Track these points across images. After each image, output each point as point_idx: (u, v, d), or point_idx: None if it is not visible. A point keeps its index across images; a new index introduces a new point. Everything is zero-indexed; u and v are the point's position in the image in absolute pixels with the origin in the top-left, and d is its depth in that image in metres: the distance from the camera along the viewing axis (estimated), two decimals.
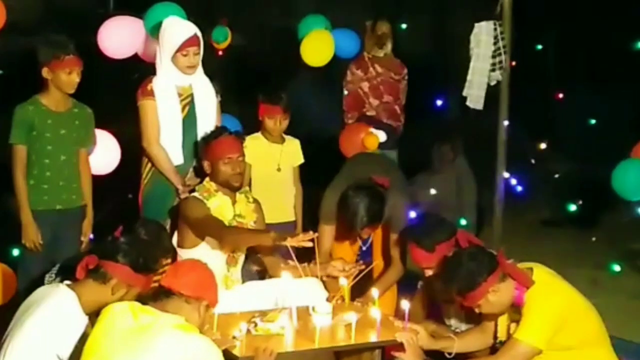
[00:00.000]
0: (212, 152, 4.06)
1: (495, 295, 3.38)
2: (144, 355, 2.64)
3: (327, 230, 4.45)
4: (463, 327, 3.96)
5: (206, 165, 4.10)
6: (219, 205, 4.03)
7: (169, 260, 3.50)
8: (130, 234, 3.23)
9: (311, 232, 3.71)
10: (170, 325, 2.73)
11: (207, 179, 4.10)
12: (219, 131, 4.16)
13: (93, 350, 2.70)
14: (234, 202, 4.11)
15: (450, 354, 3.61)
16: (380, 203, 4.23)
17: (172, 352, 2.67)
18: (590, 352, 3.43)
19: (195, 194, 4.07)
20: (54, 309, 2.95)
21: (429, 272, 3.85)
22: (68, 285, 3.04)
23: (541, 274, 3.48)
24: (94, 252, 3.10)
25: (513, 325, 3.48)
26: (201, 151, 4.17)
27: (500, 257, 3.44)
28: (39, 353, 2.88)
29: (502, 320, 3.57)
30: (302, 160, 4.97)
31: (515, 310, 3.45)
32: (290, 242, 3.67)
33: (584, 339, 3.42)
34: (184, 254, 3.95)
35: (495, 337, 3.62)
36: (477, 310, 3.47)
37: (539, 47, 8.08)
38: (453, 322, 4.00)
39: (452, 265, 3.48)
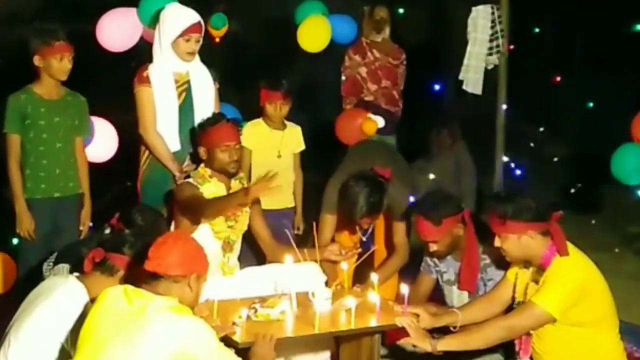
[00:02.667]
0: (209, 138, 4.06)
1: (529, 240, 3.37)
2: (138, 340, 2.64)
3: (329, 220, 4.46)
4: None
5: (202, 151, 4.10)
6: (214, 192, 4.04)
7: None
8: (133, 226, 3.23)
9: (270, 172, 3.82)
10: (163, 307, 2.72)
11: (202, 165, 4.10)
12: (216, 118, 4.15)
13: (89, 336, 2.71)
14: (228, 189, 4.11)
15: (455, 327, 3.60)
16: (381, 194, 4.23)
17: (166, 334, 2.66)
18: (599, 333, 3.43)
19: (190, 179, 4.07)
20: (64, 301, 2.97)
21: (434, 247, 3.86)
22: (77, 277, 3.05)
23: (569, 246, 3.47)
24: (100, 245, 3.10)
25: (532, 285, 3.46)
26: (198, 137, 4.16)
27: (555, 216, 3.43)
28: (47, 344, 2.89)
29: (521, 280, 3.54)
30: (303, 147, 4.97)
31: (538, 271, 3.43)
32: (257, 189, 3.79)
33: (596, 318, 3.42)
34: None
35: (512, 299, 3.59)
36: (501, 246, 3.43)
37: (537, 30, 8.06)
38: (456, 304, 4.00)
39: (516, 194, 3.49)
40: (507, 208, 3.38)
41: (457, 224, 3.85)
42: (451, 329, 3.62)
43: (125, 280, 3.01)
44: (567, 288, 3.36)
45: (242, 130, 4.57)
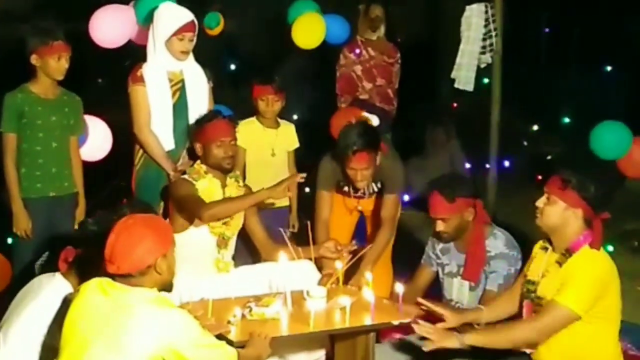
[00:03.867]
0: (205, 134, 4.08)
1: (572, 217, 3.35)
2: (121, 336, 2.64)
3: (325, 197, 4.49)
4: (465, 301, 3.96)
5: (198, 147, 4.11)
6: (208, 187, 4.05)
7: None
8: (96, 217, 3.19)
9: (299, 175, 4.01)
10: (143, 301, 2.71)
11: (198, 161, 4.12)
12: (212, 114, 4.18)
13: (71, 335, 2.71)
14: (224, 186, 4.12)
15: (478, 325, 3.59)
16: (375, 134, 4.30)
17: (148, 329, 2.66)
18: (603, 330, 3.42)
19: (185, 176, 4.08)
20: (51, 299, 2.97)
21: (441, 226, 3.86)
22: (63, 275, 3.05)
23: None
24: (70, 243, 3.10)
25: (554, 267, 3.41)
26: (194, 134, 4.18)
27: (603, 214, 3.40)
28: (36, 344, 2.89)
29: (538, 260, 3.52)
30: (297, 145, 4.98)
31: (564, 254, 3.38)
32: (277, 195, 3.95)
33: (606, 316, 3.41)
34: (180, 237, 3.97)
35: (525, 276, 3.56)
36: (541, 207, 3.40)
37: (531, 28, 8.07)
38: (455, 297, 4.02)
39: (595, 179, 3.43)
40: (575, 178, 3.35)
41: (468, 208, 3.86)
42: (475, 326, 3.60)
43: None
44: (590, 284, 3.32)
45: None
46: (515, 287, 3.66)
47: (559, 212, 3.37)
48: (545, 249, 3.52)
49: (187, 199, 3.94)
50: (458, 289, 4.01)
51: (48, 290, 3.00)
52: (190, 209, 3.92)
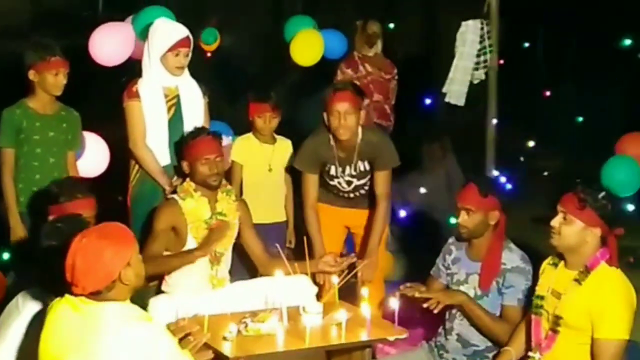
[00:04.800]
0: (190, 152, 4.08)
1: (590, 236, 3.32)
2: (92, 357, 2.61)
3: (310, 178, 4.52)
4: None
5: (185, 165, 4.12)
6: (194, 207, 4.05)
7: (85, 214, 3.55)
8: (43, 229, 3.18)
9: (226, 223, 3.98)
10: (113, 317, 2.66)
11: (188, 179, 4.12)
12: (197, 132, 4.16)
13: (45, 355, 2.68)
14: (215, 201, 4.12)
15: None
16: (360, 90, 4.49)
17: (118, 347, 2.62)
18: None
19: (175, 195, 4.09)
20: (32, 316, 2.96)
21: (465, 217, 3.81)
22: (43, 290, 3.04)
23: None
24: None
25: (573, 284, 3.37)
26: (179, 151, 4.19)
27: (618, 230, 3.39)
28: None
29: (547, 276, 3.51)
30: None
31: (583, 272, 3.36)
32: (211, 251, 3.93)
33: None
34: None
35: (533, 291, 3.56)
36: (557, 227, 3.36)
37: (526, 45, 8.11)
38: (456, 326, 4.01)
39: (602, 189, 3.42)
40: (594, 197, 3.32)
41: (495, 210, 3.81)
42: None
43: None
44: (628, 307, 3.32)
45: (230, 144, 4.59)
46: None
47: (577, 231, 3.34)
48: (555, 264, 3.51)
49: (150, 240, 3.96)
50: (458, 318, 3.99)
51: (30, 307, 2.99)
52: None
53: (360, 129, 4.45)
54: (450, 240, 4.06)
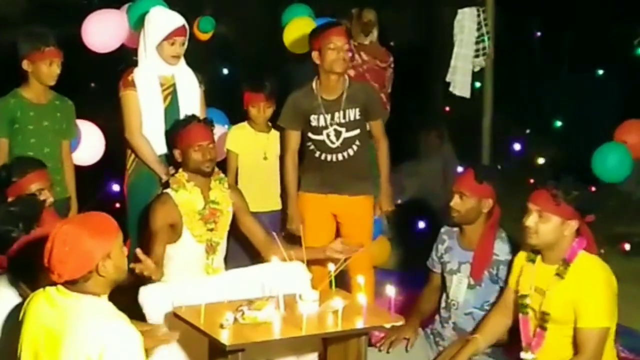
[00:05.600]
0: (182, 140, 4.09)
1: (568, 229, 3.30)
2: (62, 351, 2.59)
3: (292, 134, 4.62)
4: (460, 299, 3.89)
5: (177, 153, 4.12)
6: (188, 199, 4.06)
7: (41, 187, 3.59)
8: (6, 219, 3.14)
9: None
10: (84, 313, 2.62)
11: (180, 170, 4.12)
12: (188, 119, 4.17)
13: (24, 350, 2.68)
14: (208, 189, 4.12)
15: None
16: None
17: (84, 342, 2.58)
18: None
19: (168, 190, 4.09)
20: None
21: (457, 200, 3.82)
22: (7, 279, 3.03)
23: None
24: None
25: (555, 279, 3.36)
26: (171, 140, 4.19)
27: (589, 217, 3.38)
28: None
29: (527, 274, 3.47)
30: None
31: (563, 264, 3.35)
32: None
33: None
34: (168, 249, 4.01)
35: (516, 292, 3.53)
36: (533, 226, 3.33)
37: (523, 32, 8.10)
38: (451, 294, 3.96)
39: (575, 179, 3.38)
40: (567, 190, 3.29)
41: (489, 199, 3.81)
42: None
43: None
44: (609, 294, 3.32)
45: (225, 133, 4.58)
46: (504, 303, 3.63)
47: (554, 228, 3.32)
48: (532, 260, 3.49)
49: (152, 242, 3.94)
50: (456, 286, 3.96)
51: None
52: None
53: (346, 78, 4.59)
54: (443, 229, 4.07)
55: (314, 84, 4.56)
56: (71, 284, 2.65)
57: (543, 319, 3.41)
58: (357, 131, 4.58)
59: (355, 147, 4.59)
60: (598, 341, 3.31)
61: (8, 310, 2.94)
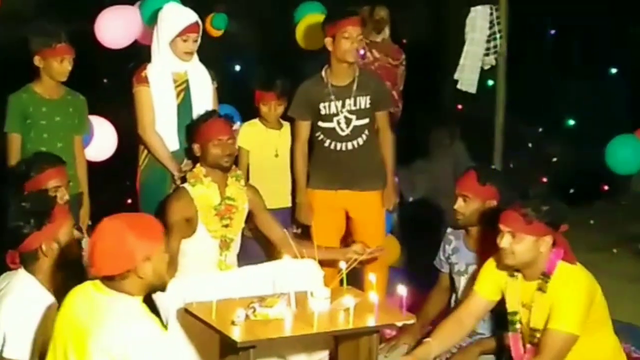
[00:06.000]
0: (202, 134, 4.09)
1: (543, 245, 3.25)
2: (89, 345, 2.61)
3: (303, 125, 4.64)
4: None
5: (196, 148, 4.12)
6: (204, 194, 4.06)
7: (58, 184, 3.60)
8: (9, 211, 3.17)
9: None
10: (116, 311, 2.65)
11: (198, 164, 4.12)
12: (208, 114, 4.19)
13: (55, 338, 2.71)
14: (225, 186, 4.12)
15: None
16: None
17: (111, 340, 2.61)
18: (599, 334, 3.40)
19: (185, 184, 4.09)
20: (20, 296, 2.97)
21: (460, 203, 3.80)
22: (26, 269, 3.06)
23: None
24: (7, 247, 3.10)
25: (538, 293, 3.33)
26: (191, 134, 4.19)
27: (563, 227, 3.33)
28: (16, 343, 2.89)
29: (512, 290, 3.43)
30: None
31: (543, 278, 3.31)
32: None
33: (597, 325, 3.37)
34: (182, 244, 4.01)
35: (505, 309, 3.48)
36: (507, 247, 3.26)
37: (536, 30, 8.07)
38: (460, 295, 3.96)
39: (543, 194, 3.35)
40: (536, 207, 3.24)
41: (493, 200, 3.78)
42: None
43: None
44: (581, 302, 3.27)
45: (237, 128, 4.59)
46: (461, 308, 3.55)
47: (530, 247, 3.27)
48: (512, 275, 3.43)
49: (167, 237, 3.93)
50: (464, 287, 3.98)
51: (16, 289, 3.00)
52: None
53: (357, 67, 4.63)
54: (448, 230, 4.06)
55: (323, 72, 4.60)
56: (109, 280, 2.68)
57: (532, 335, 3.37)
58: (367, 120, 4.61)
59: (364, 137, 4.61)
60: (562, 346, 3.26)
61: (34, 300, 2.97)
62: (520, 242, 3.26)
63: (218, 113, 4.22)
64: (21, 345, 2.87)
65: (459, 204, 3.82)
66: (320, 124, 4.60)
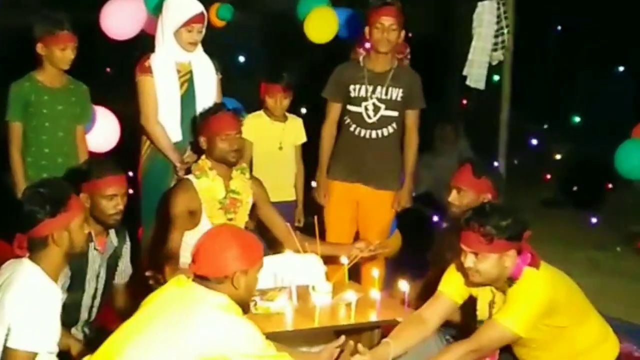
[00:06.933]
0: (210, 128, 4.05)
1: (507, 259, 3.18)
2: (177, 331, 2.70)
3: (334, 107, 4.70)
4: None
5: (202, 141, 4.09)
6: (209, 186, 4.03)
7: (115, 193, 3.58)
8: (24, 196, 3.16)
9: None
10: (211, 303, 2.77)
11: (203, 156, 4.09)
12: (217, 107, 4.15)
13: (138, 315, 2.83)
14: (229, 179, 4.10)
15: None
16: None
17: (205, 331, 2.70)
18: (584, 328, 3.34)
19: (189, 175, 4.06)
20: (25, 284, 2.94)
21: (455, 195, 3.80)
22: (30, 259, 3.03)
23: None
24: (17, 230, 3.07)
25: (499, 295, 3.30)
26: (198, 127, 4.16)
27: (526, 234, 3.25)
28: (24, 333, 2.88)
29: (483, 297, 3.38)
30: (304, 139, 4.96)
31: (507, 282, 3.24)
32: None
33: (576, 318, 3.32)
34: (185, 235, 3.98)
35: (475, 317, 3.43)
36: (472, 266, 3.20)
37: (543, 26, 8.04)
38: None
39: (499, 208, 3.26)
40: (495, 225, 3.16)
41: (487, 193, 3.78)
42: None
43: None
44: (533, 306, 3.20)
45: (243, 121, 4.56)
46: (425, 309, 3.45)
47: (494, 264, 3.20)
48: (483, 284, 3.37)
49: (171, 229, 3.92)
50: None
51: (21, 279, 2.97)
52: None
53: (395, 59, 4.67)
54: (445, 225, 4.04)
55: (361, 57, 4.68)
56: (204, 281, 2.82)
57: None
58: (396, 113, 4.64)
59: (390, 129, 4.64)
60: (495, 338, 3.22)
61: (40, 290, 2.94)
62: (483, 261, 3.19)
63: (227, 107, 4.17)
64: (26, 336, 2.86)
65: (453, 196, 3.84)
66: (349, 107, 4.65)
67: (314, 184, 4.93)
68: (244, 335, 2.76)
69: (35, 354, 2.87)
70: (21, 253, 3.04)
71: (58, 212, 3.01)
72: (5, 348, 2.86)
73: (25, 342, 2.86)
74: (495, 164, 5.66)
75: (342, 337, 3.15)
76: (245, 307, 2.90)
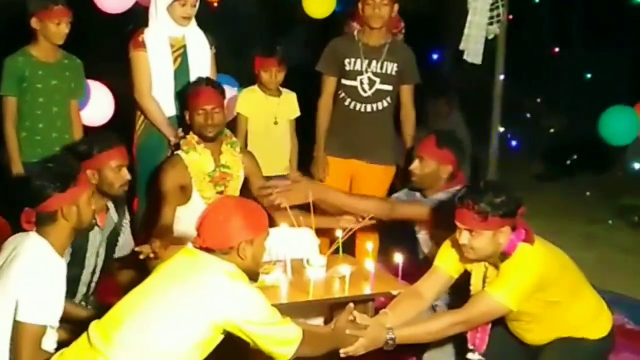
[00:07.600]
0: (189, 102, 4.09)
1: (501, 236, 3.18)
2: (183, 295, 2.74)
3: (328, 81, 4.73)
4: (440, 302, 3.82)
5: (187, 115, 4.12)
6: (198, 160, 4.06)
7: (119, 162, 3.63)
8: (32, 170, 3.18)
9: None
10: (218, 269, 2.79)
11: (191, 131, 4.11)
12: (197, 81, 4.17)
13: (147, 280, 2.87)
14: (219, 153, 4.11)
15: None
16: None
17: (210, 297, 2.73)
18: (578, 303, 3.35)
19: (178, 151, 4.08)
20: (32, 258, 2.96)
21: (416, 163, 3.90)
22: (38, 232, 3.04)
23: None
24: (24, 205, 3.08)
25: (491, 269, 3.32)
26: (183, 102, 4.19)
27: (521, 211, 3.25)
28: (34, 307, 2.90)
29: (477, 272, 3.40)
30: (298, 113, 4.95)
31: (500, 257, 3.26)
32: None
33: (570, 293, 3.33)
34: (178, 210, 4.00)
35: (468, 291, 3.42)
36: (467, 243, 3.21)
37: (537, 0, 8.01)
38: (423, 247, 4.03)
39: (493, 185, 3.27)
40: (489, 202, 3.13)
41: (448, 165, 3.88)
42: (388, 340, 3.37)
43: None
44: (526, 280, 3.21)
45: (234, 96, 4.56)
46: (422, 282, 3.47)
47: (489, 241, 3.20)
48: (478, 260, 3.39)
49: (162, 205, 3.94)
50: (425, 242, 4.03)
51: (28, 252, 2.99)
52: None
53: (390, 34, 4.71)
54: (404, 191, 4.13)
55: (355, 32, 4.70)
56: (210, 253, 2.84)
57: None
58: (390, 87, 4.68)
59: (385, 103, 4.68)
60: (485, 310, 3.24)
61: (46, 263, 2.96)
62: (478, 238, 3.20)
63: (208, 80, 4.17)
64: (37, 309, 2.87)
65: (415, 165, 3.92)
66: (344, 81, 4.68)
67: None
68: (250, 303, 2.78)
69: (45, 327, 2.90)
70: (29, 228, 3.05)
71: (68, 187, 3.03)
72: (15, 322, 2.88)
73: (37, 315, 2.88)
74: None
75: (350, 305, 3.13)
76: (253, 276, 2.92)
